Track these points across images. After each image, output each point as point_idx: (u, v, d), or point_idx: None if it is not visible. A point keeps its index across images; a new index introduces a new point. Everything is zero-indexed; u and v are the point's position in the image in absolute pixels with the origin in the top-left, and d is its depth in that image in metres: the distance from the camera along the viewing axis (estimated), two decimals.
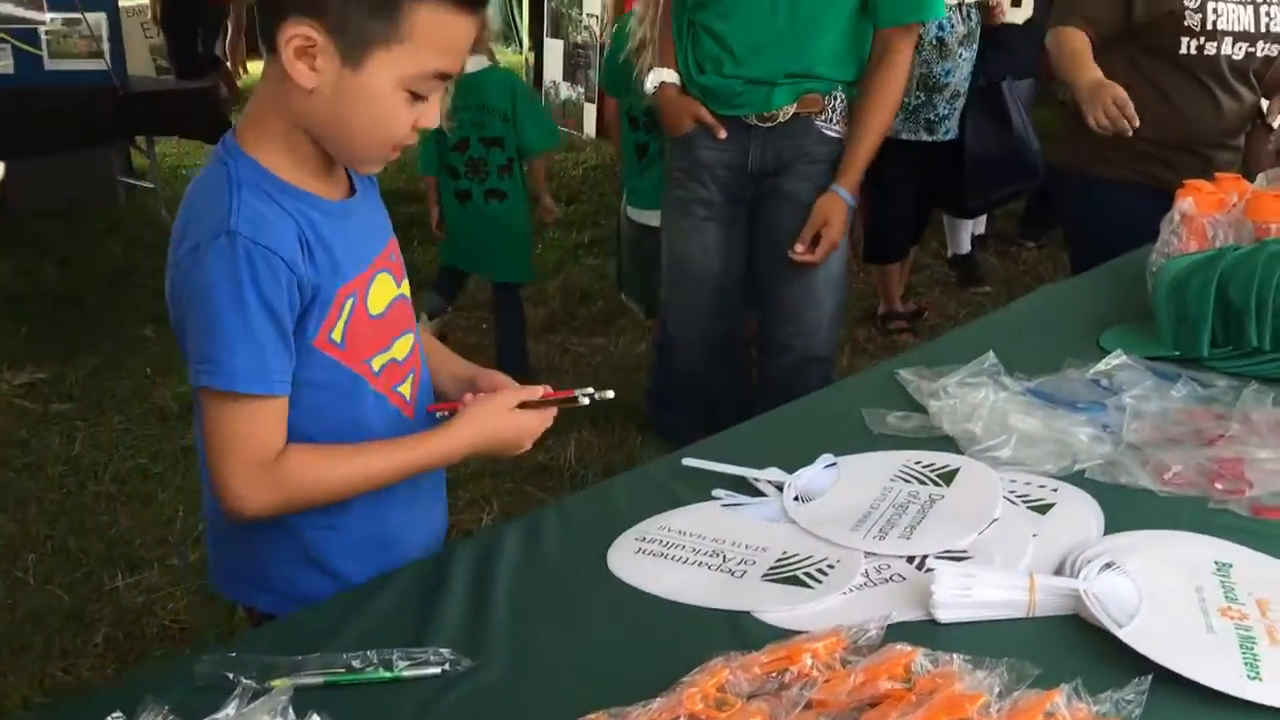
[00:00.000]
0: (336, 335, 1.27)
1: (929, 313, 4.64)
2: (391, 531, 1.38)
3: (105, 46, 4.86)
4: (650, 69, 2.64)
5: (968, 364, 1.67)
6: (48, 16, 4.84)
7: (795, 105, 2.47)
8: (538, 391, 1.36)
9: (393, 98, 1.20)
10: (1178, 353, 1.72)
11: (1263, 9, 2.64)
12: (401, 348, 1.36)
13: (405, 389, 1.37)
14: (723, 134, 2.51)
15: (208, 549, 1.47)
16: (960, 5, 3.89)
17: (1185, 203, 1.91)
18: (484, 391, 1.39)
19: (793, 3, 2.37)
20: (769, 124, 2.49)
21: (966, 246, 5.02)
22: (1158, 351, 1.73)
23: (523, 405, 1.34)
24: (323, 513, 1.31)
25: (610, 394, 1.37)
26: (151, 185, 5.38)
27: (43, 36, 4.87)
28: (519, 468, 3.32)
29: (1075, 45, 2.66)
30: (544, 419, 1.37)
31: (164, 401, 3.80)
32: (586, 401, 1.34)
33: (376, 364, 1.32)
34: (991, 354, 1.67)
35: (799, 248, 2.49)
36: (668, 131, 2.63)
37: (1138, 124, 2.44)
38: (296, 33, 1.16)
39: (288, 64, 1.17)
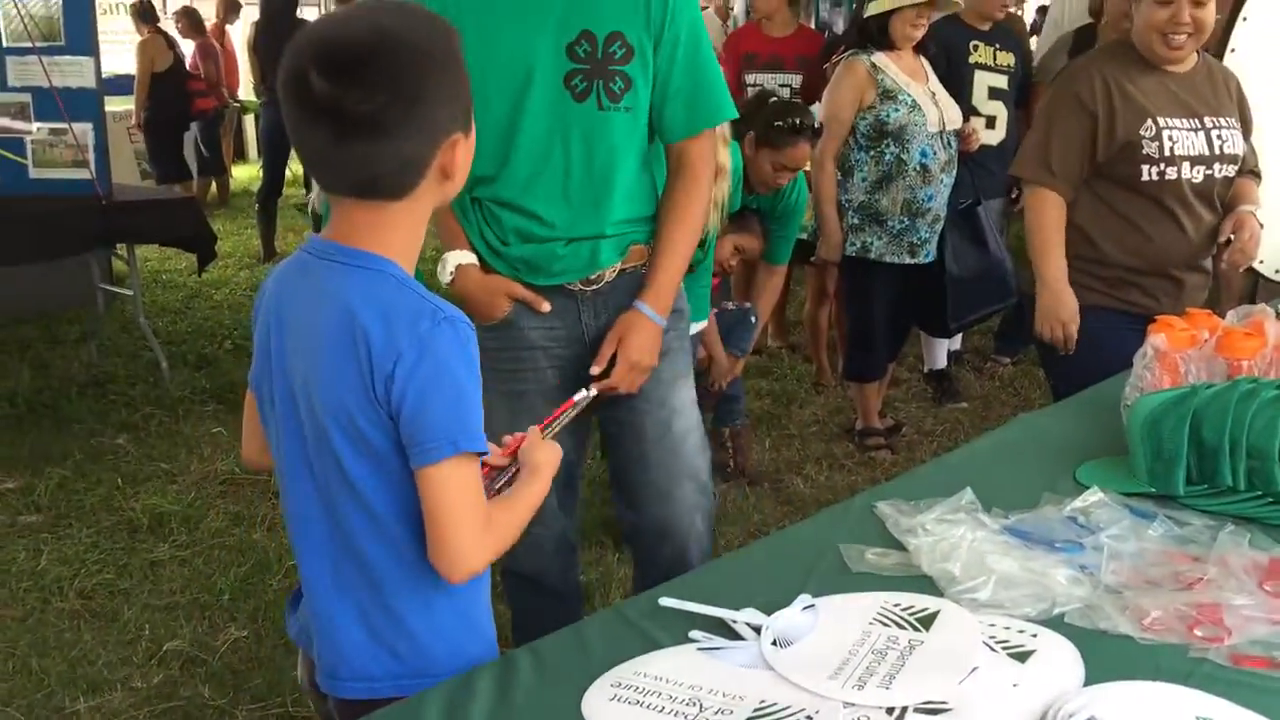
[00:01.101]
0: None
1: (906, 428, 4.65)
2: (488, 592, 1.54)
3: (90, 156, 4.90)
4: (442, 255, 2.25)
5: (946, 499, 1.67)
6: (34, 126, 4.88)
7: (620, 261, 2.21)
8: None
9: None
10: (1153, 489, 1.73)
11: (1213, 133, 2.73)
12: None
13: None
14: (546, 307, 2.19)
15: (323, 656, 1.47)
16: (940, 133, 3.99)
17: (1158, 338, 1.94)
18: None
19: (586, 144, 2.12)
20: (595, 286, 2.21)
21: (943, 362, 5.06)
22: (1134, 488, 1.74)
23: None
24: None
25: (594, 391, 1.82)
26: (131, 292, 5.37)
27: (28, 146, 4.91)
28: (493, 586, 3.27)
29: (1048, 228, 2.78)
30: None
31: (134, 514, 3.74)
32: (590, 395, 1.73)
33: None
34: (969, 490, 1.67)
35: (594, 370, 2.14)
36: (480, 319, 2.21)
37: (1071, 351, 2.79)
38: (458, 144, 1.37)
39: (454, 167, 1.38)
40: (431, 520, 1.33)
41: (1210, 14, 2.67)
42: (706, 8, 7.58)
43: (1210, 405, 1.71)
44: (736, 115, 2.38)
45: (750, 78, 5.19)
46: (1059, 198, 2.77)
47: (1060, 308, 2.77)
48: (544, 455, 1.52)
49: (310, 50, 1.29)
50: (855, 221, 4.08)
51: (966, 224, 4.18)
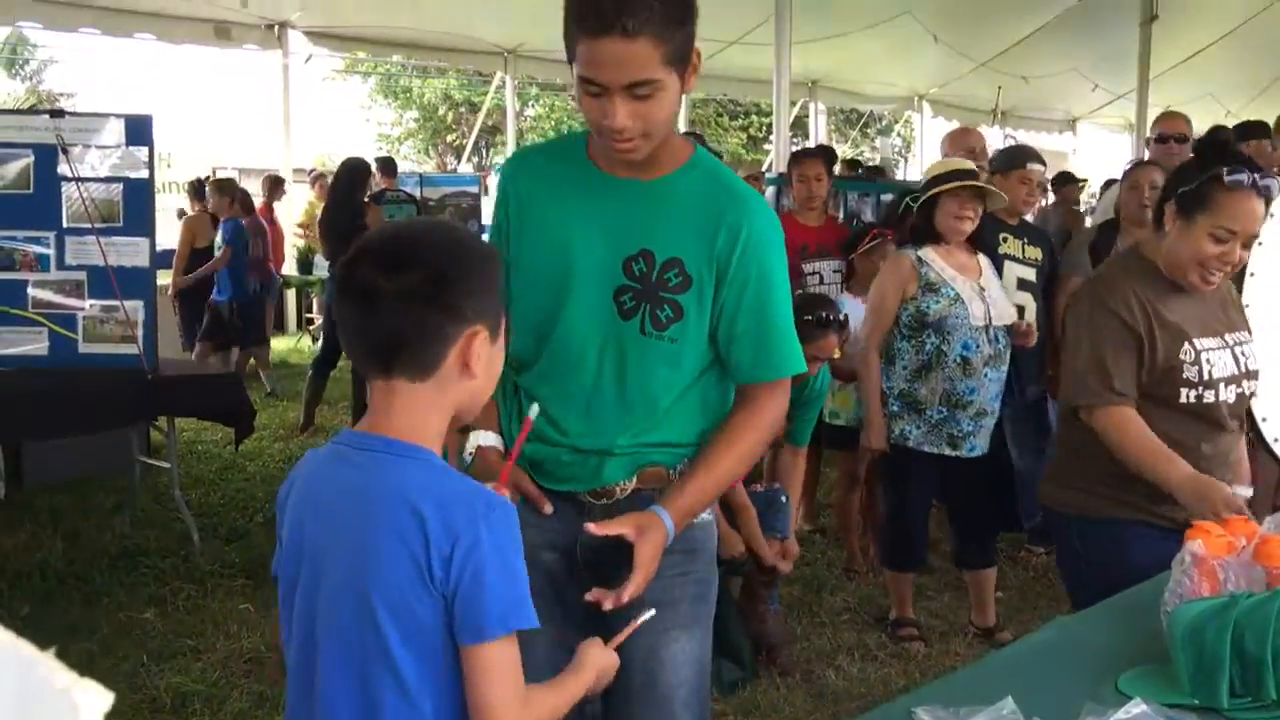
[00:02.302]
0: None
1: (939, 620, 4.58)
2: None
3: (139, 332, 5.03)
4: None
5: (987, 708, 1.64)
6: (87, 303, 5.03)
7: (635, 480, 2.07)
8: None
9: None
10: (1197, 701, 1.70)
11: (1236, 350, 2.72)
12: None
13: None
14: (548, 509, 2.05)
15: None
16: (987, 328, 4.03)
17: (1195, 544, 1.93)
18: None
19: (619, 364, 2.02)
20: (605, 501, 2.06)
21: None
22: (1177, 699, 1.71)
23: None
24: None
25: (653, 611, 1.85)
26: (168, 465, 5.44)
27: (80, 322, 5.05)
28: None
29: (1145, 438, 2.60)
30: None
31: (157, 692, 3.71)
32: (650, 613, 1.82)
33: None
34: (1010, 700, 1.65)
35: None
36: None
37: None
38: (478, 335, 1.46)
39: (473, 360, 1.47)
40: (478, 696, 1.40)
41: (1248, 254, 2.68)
42: None
43: (1252, 615, 1.69)
44: (805, 369, 2.19)
45: (809, 266, 5.46)
46: (1134, 412, 2.64)
47: (1212, 490, 2.45)
48: (596, 658, 1.60)
49: (368, 245, 1.47)
50: (895, 409, 4.12)
51: (1031, 418, 4.20)
